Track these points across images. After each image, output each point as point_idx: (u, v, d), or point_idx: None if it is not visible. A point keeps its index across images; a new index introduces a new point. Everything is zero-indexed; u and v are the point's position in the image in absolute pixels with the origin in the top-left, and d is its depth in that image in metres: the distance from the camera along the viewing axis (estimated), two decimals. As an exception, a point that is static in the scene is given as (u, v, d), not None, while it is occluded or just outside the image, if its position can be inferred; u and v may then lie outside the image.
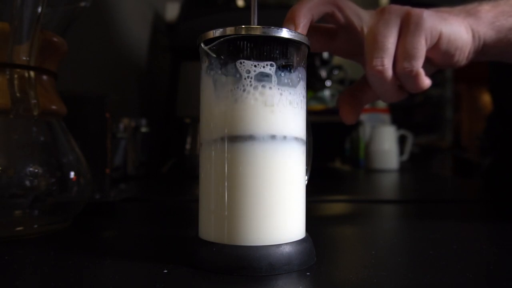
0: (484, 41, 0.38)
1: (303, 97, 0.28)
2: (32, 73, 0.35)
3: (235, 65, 0.26)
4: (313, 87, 1.46)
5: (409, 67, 0.35)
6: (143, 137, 0.91)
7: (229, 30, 0.25)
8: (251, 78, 0.25)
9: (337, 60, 1.48)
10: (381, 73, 0.35)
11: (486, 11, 0.38)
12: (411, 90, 0.37)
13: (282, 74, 0.26)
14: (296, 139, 0.27)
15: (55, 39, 0.37)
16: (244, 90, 0.25)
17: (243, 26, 0.25)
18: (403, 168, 1.27)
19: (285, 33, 0.26)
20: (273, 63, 0.26)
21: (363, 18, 0.36)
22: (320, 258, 0.28)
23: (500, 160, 0.79)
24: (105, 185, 0.51)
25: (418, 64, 0.35)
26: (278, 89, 0.26)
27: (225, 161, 0.26)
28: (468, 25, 0.37)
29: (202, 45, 0.27)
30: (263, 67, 0.26)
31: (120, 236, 0.38)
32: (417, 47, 0.35)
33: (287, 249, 0.26)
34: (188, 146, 0.92)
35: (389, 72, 0.35)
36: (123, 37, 1.07)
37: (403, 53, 0.35)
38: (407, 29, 0.35)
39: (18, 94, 0.34)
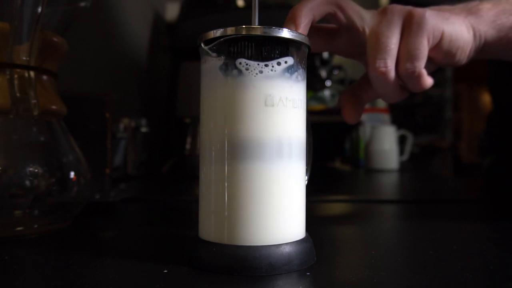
0: (485, 40, 0.38)
1: (303, 97, 0.28)
2: (32, 73, 0.35)
3: (235, 65, 0.26)
4: (313, 87, 1.46)
5: (411, 68, 0.35)
6: (143, 137, 0.91)
7: (230, 30, 0.25)
8: (251, 78, 0.25)
9: (337, 60, 1.48)
10: (384, 75, 0.35)
11: (487, 10, 0.38)
12: (414, 89, 0.37)
13: (282, 74, 0.26)
14: (296, 139, 0.27)
15: (55, 39, 0.37)
16: (244, 90, 0.25)
17: (243, 26, 0.25)
18: (403, 168, 1.27)
19: (285, 33, 0.26)
20: (274, 63, 0.26)
21: (364, 18, 0.36)
22: (320, 258, 0.28)
23: (500, 160, 0.79)
24: (105, 185, 0.51)
25: (421, 64, 0.35)
26: (278, 89, 0.26)
27: (225, 161, 0.26)
28: (469, 24, 0.37)
29: (203, 45, 0.27)
30: (263, 67, 0.26)
31: (120, 236, 0.38)
32: (420, 48, 0.35)
33: (287, 249, 0.26)
34: (188, 146, 0.92)
35: (392, 73, 0.35)
36: (123, 37, 1.07)
37: (405, 54, 0.35)
38: (409, 30, 0.35)
39: (18, 94, 0.34)
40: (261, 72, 0.26)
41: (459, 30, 0.36)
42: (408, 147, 1.33)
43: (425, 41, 0.35)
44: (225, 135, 0.26)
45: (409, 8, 0.36)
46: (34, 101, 0.35)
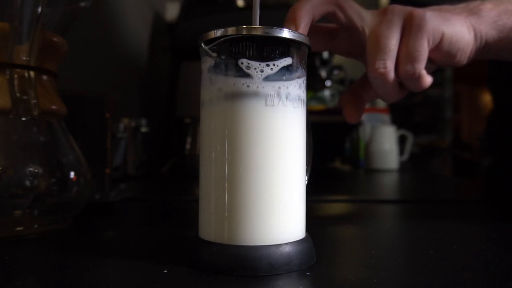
0: (486, 40, 0.38)
1: (303, 97, 0.28)
2: (32, 73, 0.35)
3: (236, 65, 0.26)
4: (313, 87, 1.46)
5: (411, 69, 0.35)
6: (143, 137, 0.91)
7: (230, 30, 0.25)
8: (252, 78, 0.25)
9: (337, 60, 1.48)
10: (384, 76, 0.35)
11: (489, 10, 0.38)
12: (413, 89, 0.37)
13: (283, 74, 0.26)
14: (296, 139, 0.27)
15: (55, 39, 0.37)
16: (244, 90, 0.25)
17: (244, 26, 0.25)
18: (403, 168, 1.26)
19: (286, 33, 0.26)
20: (274, 63, 0.26)
21: (364, 18, 0.36)
22: (320, 258, 0.28)
23: (500, 160, 0.79)
24: (105, 185, 0.51)
25: (421, 66, 0.35)
26: (279, 89, 0.26)
27: (225, 161, 0.26)
28: (470, 24, 0.37)
29: (203, 45, 0.27)
30: (264, 67, 0.26)
31: (120, 236, 0.38)
32: (420, 50, 0.34)
33: (287, 249, 0.26)
34: (188, 146, 0.92)
35: (391, 74, 0.35)
36: (123, 37, 1.07)
37: (405, 56, 0.35)
38: (409, 31, 0.35)
39: (18, 94, 0.34)
40: (261, 71, 0.26)
41: (460, 31, 0.36)
42: (408, 147, 1.33)
43: (425, 43, 0.35)
44: (225, 135, 0.26)
45: (409, 8, 0.36)
46: (34, 101, 0.35)
